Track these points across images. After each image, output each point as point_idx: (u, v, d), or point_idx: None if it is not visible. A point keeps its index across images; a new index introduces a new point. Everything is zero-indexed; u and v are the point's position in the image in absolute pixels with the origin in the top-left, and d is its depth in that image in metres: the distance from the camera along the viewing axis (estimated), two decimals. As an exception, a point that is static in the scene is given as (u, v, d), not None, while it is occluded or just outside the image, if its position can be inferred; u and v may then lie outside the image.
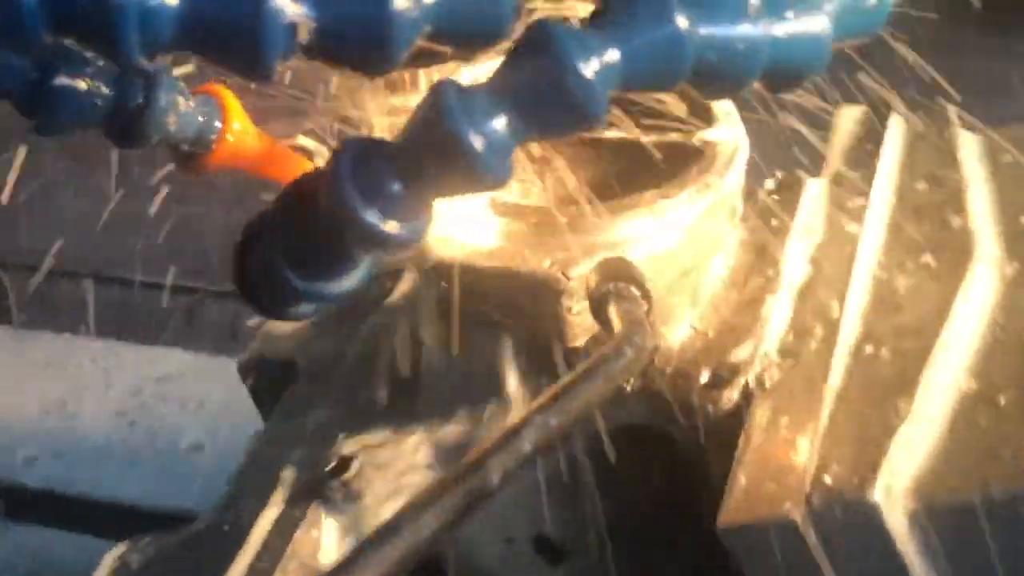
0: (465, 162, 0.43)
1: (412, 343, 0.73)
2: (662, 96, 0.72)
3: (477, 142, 0.43)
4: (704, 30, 0.45)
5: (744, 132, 0.72)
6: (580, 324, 0.65)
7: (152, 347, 1.78)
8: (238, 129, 0.61)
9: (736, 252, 0.74)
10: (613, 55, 0.44)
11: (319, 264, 0.46)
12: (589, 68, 0.43)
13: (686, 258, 0.69)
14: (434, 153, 0.43)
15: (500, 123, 0.43)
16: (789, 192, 0.79)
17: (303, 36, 0.41)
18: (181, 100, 0.59)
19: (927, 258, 0.70)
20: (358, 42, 0.42)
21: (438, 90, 0.43)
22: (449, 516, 0.49)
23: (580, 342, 0.66)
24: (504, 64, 0.44)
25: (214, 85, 0.61)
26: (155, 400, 1.69)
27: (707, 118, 0.73)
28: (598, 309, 0.63)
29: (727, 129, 0.72)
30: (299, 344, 0.84)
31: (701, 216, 0.68)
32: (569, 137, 0.50)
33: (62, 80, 0.56)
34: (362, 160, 0.44)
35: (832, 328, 0.67)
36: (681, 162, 0.70)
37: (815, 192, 0.77)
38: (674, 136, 0.71)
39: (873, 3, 0.49)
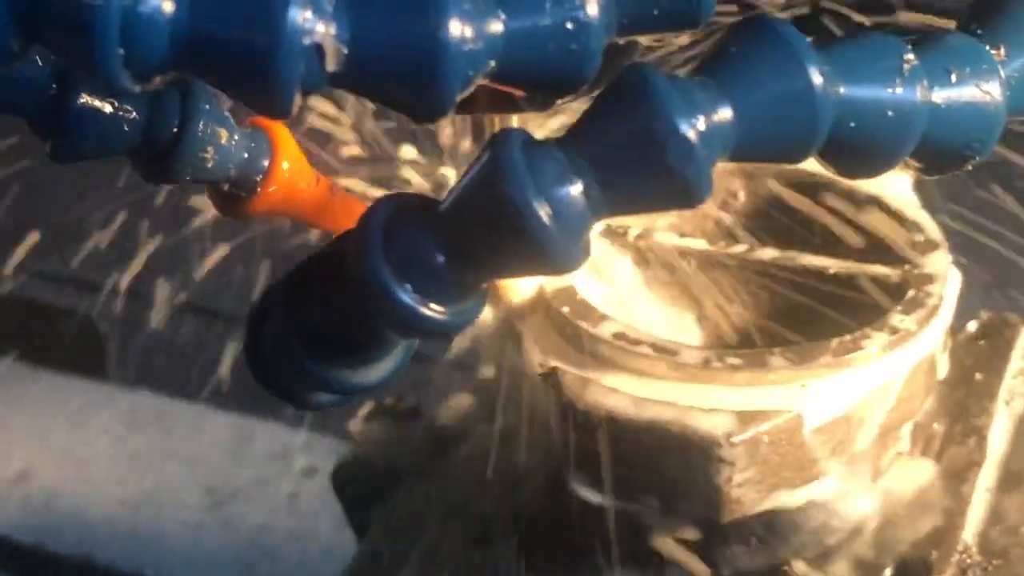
0: (526, 236, 0.34)
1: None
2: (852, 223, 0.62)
3: (543, 211, 0.34)
4: (844, 89, 0.36)
5: (954, 267, 0.61)
6: (741, 498, 0.54)
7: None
8: (287, 170, 0.52)
9: (932, 410, 0.62)
10: (725, 113, 0.34)
11: (340, 349, 0.37)
12: (693, 127, 0.34)
13: (875, 422, 0.57)
14: (487, 222, 0.34)
15: (574, 190, 0.34)
16: (998, 339, 0.66)
17: (331, 64, 0.32)
18: (223, 132, 0.50)
19: None
20: (401, 75, 0.33)
21: (498, 142, 0.34)
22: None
23: (737, 516, 0.55)
24: (586, 115, 0.35)
25: (267, 119, 0.53)
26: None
27: (908, 247, 0.61)
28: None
29: (935, 261, 0.60)
30: (402, 454, 0.75)
31: (897, 371, 0.56)
32: (665, 211, 0.40)
33: (84, 98, 0.47)
34: (399, 224, 0.35)
35: None
36: (873, 301, 0.60)
37: None
38: (866, 267, 0.61)
39: (1061, 68, 0.39)
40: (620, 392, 0.55)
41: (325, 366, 0.37)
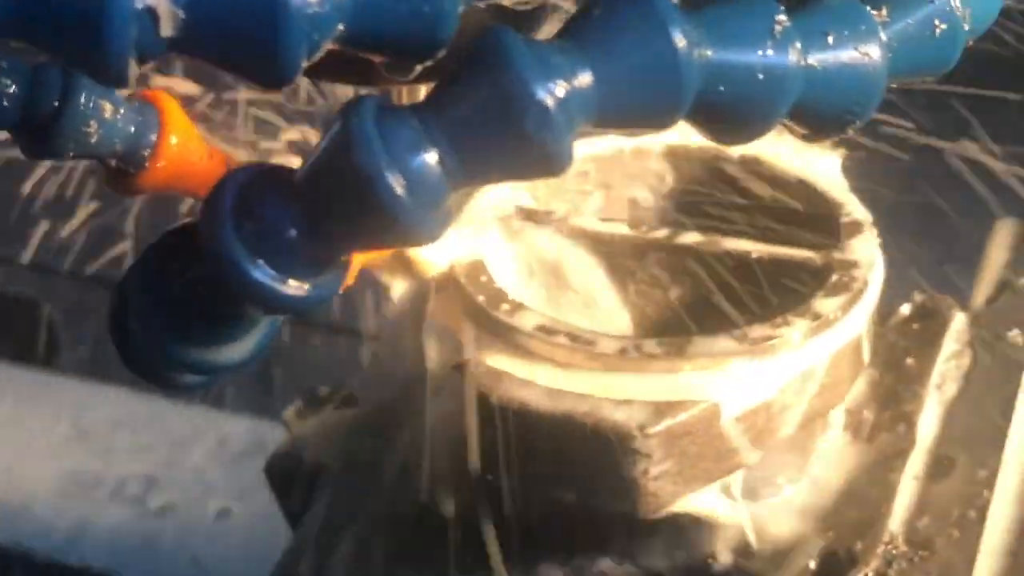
0: (380, 208, 0.33)
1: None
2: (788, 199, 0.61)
3: (396, 182, 0.32)
4: (712, 53, 0.34)
5: (879, 250, 0.59)
6: (659, 491, 0.53)
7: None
8: (176, 144, 0.50)
9: (861, 397, 0.61)
10: (585, 78, 0.33)
11: (201, 328, 0.36)
12: (551, 93, 0.32)
13: (798, 410, 0.55)
14: (340, 193, 0.33)
15: (430, 158, 0.33)
16: (931, 321, 0.64)
17: (166, 29, 0.31)
18: (108, 106, 0.48)
19: None
20: (241, 40, 0.32)
21: (350, 109, 0.33)
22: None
23: (659, 513, 0.54)
24: (442, 80, 0.34)
25: (156, 91, 0.51)
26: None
27: (834, 229, 0.60)
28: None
29: (860, 245, 0.59)
30: (334, 445, 0.73)
31: (820, 357, 0.55)
32: (526, 180, 0.39)
33: None
34: (251, 196, 0.34)
35: (980, 514, 0.55)
36: (798, 285, 0.58)
37: (963, 325, 0.64)
38: (789, 250, 0.59)
39: (942, 30, 0.38)
40: (534, 384, 0.53)
41: (187, 346, 0.36)
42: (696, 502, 0.55)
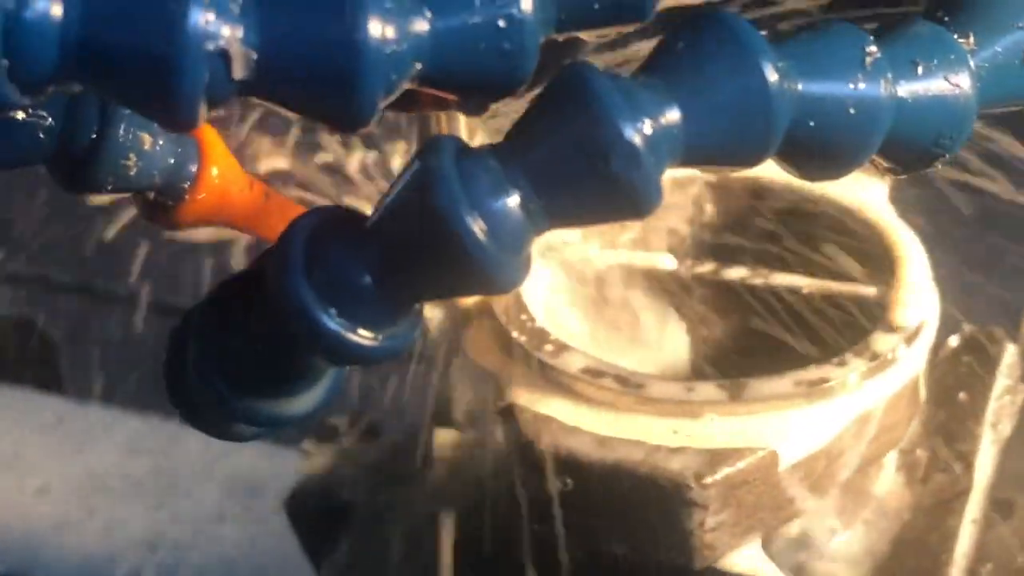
0: (460, 254, 0.31)
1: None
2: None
3: (476, 227, 0.31)
4: (801, 86, 0.33)
5: (935, 291, 0.58)
6: (715, 542, 0.51)
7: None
8: (217, 176, 0.49)
9: (914, 436, 0.59)
10: (673, 116, 0.32)
11: (263, 379, 0.34)
12: (639, 132, 0.31)
13: (856, 454, 0.54)
14: (417, 238, 0.31)
15: (511, 202, 0.31)
16: (982, 355, 0.62)
17: (238, 71, 0.29)
18: (147, 137, 0.46)
19: None
20: (317, 81, 0.30)
21: (428, 150, 0.31)
22: None
23: (717, 562, 0.52)
24: (522, 120, 0.32)
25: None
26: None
27: (886, 262, 0.58)
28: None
29: (915, 279, 0.57)
30: (358, 483, 0.71)
31: (878, 399, 0.54)
32: (612, 223, 0.37)
33: None
34: (322, 241, 0.32)
35: None
36: (851, 321, 0.57)
37: (1015, 359, 0.62)
38: (841, 285, 0.58)
39: (1034, 58, 0.36)
40: (581, 430, 0.52)
41: (248, 397, 0.34)
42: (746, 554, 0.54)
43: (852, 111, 0.33)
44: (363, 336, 0.32)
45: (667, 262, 0.60)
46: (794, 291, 0.58)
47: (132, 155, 0.46)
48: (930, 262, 0.59)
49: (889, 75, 0.34)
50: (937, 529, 0.55)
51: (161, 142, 0.47)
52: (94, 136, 0.45)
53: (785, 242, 0.61)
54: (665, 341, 0.62)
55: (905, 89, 0.34)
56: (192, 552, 1.21)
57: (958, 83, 0.35)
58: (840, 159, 0.34)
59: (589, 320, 0.60)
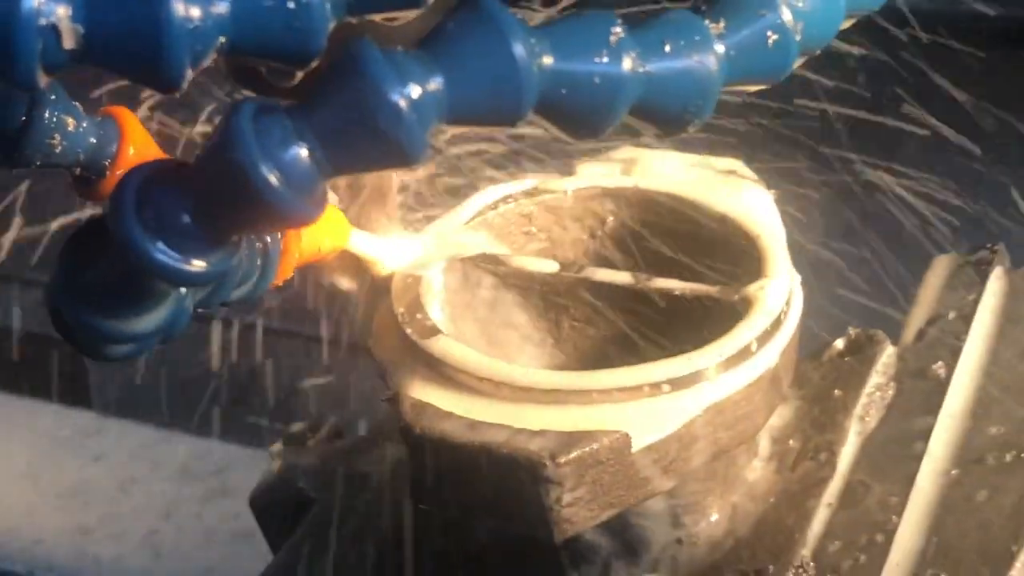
0: (257, 196, 0.38)
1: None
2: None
3: (271, 175, 0.37)
4: (553, 61, 0.39)
5: (799, 286, 0.61)
6: (573, 517, 0.54)
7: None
8: (134, 154, 0.56)
9: (788, 428, 0.63)
10: (436, 82, 0.38)
11: (115, 301, 0.42)
12: (403, 96, 0.37)
13: (710, 441, 0.56)
14: (224, 184, 0.38)
15: (300, 153, 0.38)
16: (861, 355, 0.67)
17: (68, 43, 0.36)
18: (70, 120, 0.54)
19: (1016, 461, 0.59)
20: (133, 53, 0.37)
21: (231, 110, 0.38)
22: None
23: (571, 534, 0.55)
24: (313, 84, 0.39)
25: (117, 107, 0.57)
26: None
27: (755, 264, 0.61)
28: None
29: (777, 281, 0.60)
30: (316, 478, 0.77)
31: (732, 391, 0.56)
32: (387, 170, 0.44)
33: None
34: (152, 187, 0.39)
35: (887, 540, 0.57)
36: (717, 321, 0.59)
37: (891, 359, 0.66)
38: (710, 288, 0.61)
39: (775, 40, 0.43)
40: (456, 416, 0.56)
41: (109, 320, 0.41)
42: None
43: (597, 81, 0.40)
44: (188, 264, 0.39)
45: (551, 266, 0.65)
46: (668, 293, 0.62)
47: (57, 135, 0.53)
48: (817, 266, 0.64)
49: (634, 52, 0.40)
50: (796, 511, 0.59)
51: (84, 124, 0.54)
52: (23, 119, 0.52)
53: (673, 249, 0.66)
54: (552, 341, 0.67)
55: (653, 65, 0.41)
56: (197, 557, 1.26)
57: (702, 60, 0.41)
58: (591, 121, 0.41)
59: (480, 321, 0.65)
